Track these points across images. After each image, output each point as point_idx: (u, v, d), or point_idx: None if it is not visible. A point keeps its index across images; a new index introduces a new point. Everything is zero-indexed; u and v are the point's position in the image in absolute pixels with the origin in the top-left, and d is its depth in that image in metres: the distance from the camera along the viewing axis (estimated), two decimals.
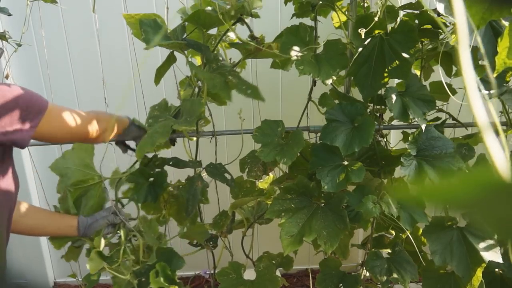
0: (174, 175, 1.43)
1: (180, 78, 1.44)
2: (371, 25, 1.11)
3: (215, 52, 1.19)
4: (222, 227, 1.40)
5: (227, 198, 1.62)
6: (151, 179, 1.23)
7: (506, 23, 0.92)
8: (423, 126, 1.15)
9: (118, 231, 1.14)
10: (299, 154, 1.27)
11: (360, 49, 1.14)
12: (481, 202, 0.21)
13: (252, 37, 1.11)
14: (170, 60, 1.21)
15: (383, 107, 1.35)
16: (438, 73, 1.27)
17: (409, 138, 1.19)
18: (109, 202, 1.19)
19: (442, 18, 1.03)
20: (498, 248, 1.17)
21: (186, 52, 1.17)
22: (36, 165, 1.96)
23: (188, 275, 2.21)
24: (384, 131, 1.41)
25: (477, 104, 0.23)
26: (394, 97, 1.18)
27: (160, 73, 1.21)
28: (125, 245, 1.12)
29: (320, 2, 1.21)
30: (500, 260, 1.15)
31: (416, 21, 1.23)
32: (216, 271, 1.42)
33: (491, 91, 1.16)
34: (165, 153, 1.79)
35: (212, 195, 1.37)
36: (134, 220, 1.21)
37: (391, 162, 1.33)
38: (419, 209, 1.20)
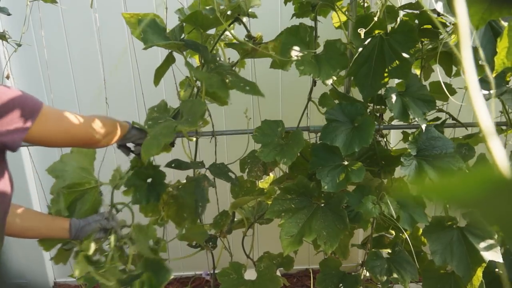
0: (174, 175, 1.42)
1: (179, 79, 1.44)
2: (371, 25, 1.11)
3: (214, 52, 1.19)
4: (222, 227, 1.40)
5: (227, 198, 1.62)
6: (149, 180, 1.22)
7: (505, 24, 0.92)
8: (423, 126, 1.15)
9: (109, 237, 1.12)
10: (299, 154, 1.27)
11: (360, 49, 1.14)
12: (481, 200, 0.21)
13: (249, 37, 1.11)
14: (169, 61, 1.21)
15: (383, 107, 1.35)
16: (438, 73, 1.27)
17: (409, 138, 1.19)
18: (104, 207, 1.18)
19: (442, 18, 1.03)
20: (498, 248, 1.17)
21: (184, 52, 1.17)
22: (36, 166, 1.96)
23: (188, 275, 2.21)
24: (384, 131, 1.41)
25: (479, 103, 0.23)
26: (394, 97, 1.18)
27: (159, 73, 1.21)
28: (114, 251, 1.09)
29: (320, 2, 1.21)
30: (501, 260, 1.15)
31: (416, 21, 1.24)
32: (215, 272, 1.42)
33: (491, 91, 1.16)
34: (164, 154, 1.79)
35: (212, 195, 1.37)
36: (128, 227, 1.18)
37: (391, 162, 1.33)
38: (419, 209, 1.20)
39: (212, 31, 1.22)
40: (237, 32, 1.18)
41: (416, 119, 1.16)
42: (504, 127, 1.34)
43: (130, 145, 1.23)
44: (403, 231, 1.20)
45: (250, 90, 1.07)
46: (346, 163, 1.21)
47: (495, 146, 0.22)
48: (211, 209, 1.54)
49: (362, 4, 1.33)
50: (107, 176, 1.23)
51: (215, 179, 1.30)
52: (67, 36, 1.87)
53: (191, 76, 1.22)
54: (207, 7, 1.07)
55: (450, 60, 1.33)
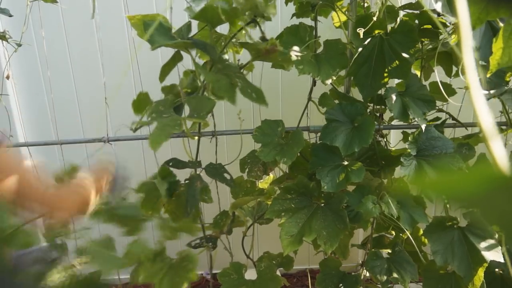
0: (179, 175, 1.42)
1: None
2: (371, 25, 1.11)
3: (225, 51, 1.18)
4: (223, 227, 1.40)
5: (227, 198, 1.62)
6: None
7: (502, 24, 0.92)
8: (423, 126, 1.15)
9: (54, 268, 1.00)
10: (299, 154, 1.27)
11: (360, 49, 1.14)
12: (481, 198, 0.21)
13: (263, 39, 1.10)
14: (176, 59, 1.20)
15: (383, 107, 1.35)
16: (436, 73, 1.27)
17: (409, 138, 1.19)
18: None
19: (442, 18, 1.03)
20: (499, 247, 1.17)
21: (192, 51, 1.16)
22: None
23: None
24: (384, 131, 1.41)
25: (480, 103, 0.23)
26: (394, 97, 1.18)
27: (164, 71, 1.21)
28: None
29: (320, 2, 1.22)
30: (502, 260, 1.15)
31: (416, 21, 1.24)
32: (214, 272, 1.42)
33: (491, 91, 1.16)
34: (165, 153, 1.79)
35: (214, 195, 1.37)
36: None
37: (391, 162, 1.33)
38: (419, 209, 1.20)
39: (224, 32, 1.21)
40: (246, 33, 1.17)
41: (416, 119, 1.16)
42: (504, 127, 1.34)
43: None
44: (404, 231, 1.20)
45: (256, 98, 1.07)
46: (346, 163, 1.21)
47: (496, 146, 0.23)
48: (213, 209, 1.54)
49: (362, 4, 1.33)
50: None
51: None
52: (67, 36, 1.87)
53: (197, 75, 1.22)
54: (222, 2, 1.06)
55: (450, 60, 1.33)
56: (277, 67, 1.28)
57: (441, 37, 1.22)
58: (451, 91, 1.35)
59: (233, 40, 1.15)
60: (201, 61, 1.35)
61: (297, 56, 1.14)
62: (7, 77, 1.62)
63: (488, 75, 0.93)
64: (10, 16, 1.29)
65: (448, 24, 1.19)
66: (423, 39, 1.28)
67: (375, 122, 1.23)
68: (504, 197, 0.20)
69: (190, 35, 1.15)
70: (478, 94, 0.23)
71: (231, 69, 1.11)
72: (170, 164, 1.27)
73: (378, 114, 1.38)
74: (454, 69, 1.35)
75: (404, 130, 1.44)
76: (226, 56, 1.24)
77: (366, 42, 1.13)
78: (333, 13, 1.37)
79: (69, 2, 1.77)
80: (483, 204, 0.21)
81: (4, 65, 1.74)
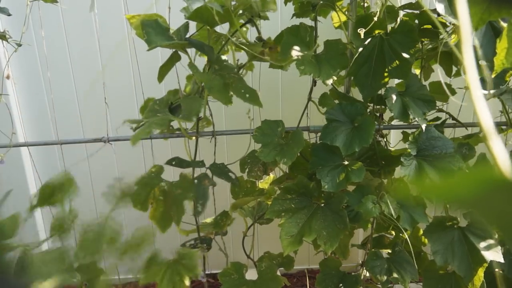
0: (174, 174, 1.42)
1: (182, 77, 1.44)
2: (371, 25, 1.11)
3: (226, 50, 1.18)
4: (223, 227, 1.40)
5: (227, 198, 1.62)
6: None
7: (505, 24, 0.92)
8: (423, 126, 1.15)
9: None
10: (299, 154, 1.27)
11: (360, 49, 1.14)
12: (481, 199, 0.21)
13: (259, 39, 1.10)
14: (173, 59, 1.20)
15: (383, 107, 1.35)
16: (438, 73, 1.27)
17: (409, 138, 1.19)
18: None
19: (442, 18, 1.03)
20: (499, 247, 1.17)
21: (192, 51, 1.16)
22: (36, 165, 1.96)
23: None
24: (384, 131, 1.41)
25: (480, 103, 0.23)
26: (394, 97, 1.18)
27: (163, 71, 1.21)
28: None
29: (320, 2, 1.21)
30: (502, 260, 1.15)
31: (416, 21, 1.24)
32: (214, 272, 1.42)
33: (491, 91, 1.16)
34: (165, 152, 1.79)
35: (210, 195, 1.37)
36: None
37: (391, 162, 1.33)
38: (419, 209, 1.20)
39: (225, 31, 1.21)
40: (248, 33, 1.17)
41: (416, 119, 1.16)
42: (504, 127, 1.34)
43: None
44: (403, 231, 1.20)
45: (249, 98, 1.07)
46: (346, 163, 1.21)
47: (496, 146, 0.22)
48: (208, 210, 1.54)
49: (362, 4, 1.33)
50: None
51: (213, 178, 1.30)
52: (67, 36, 1.87)
53: (194, 76, 1.22)
54: (217, 4, 1.06)
55: (450, 60, 1.33)
56: (276, 67, 1.28)
57: (441, 37, 1.22)
58: (451, 91, 1.35)
59: (233, 38, 1.15)
60: (203, 60, 1.35)
61: (297, 56, 1.14)
62: (7, 77, 1.62)
63: (493, 76, 0.92)
64: (9, 15, 1.28)
65: (448, 24, 1.19)
66: (423, 39, 1.28)
67: (375, 122, 1.23)
68: (504, 198, 0.20)
69: (189, 35, 1.15)
70: (478, 94, 0.23)
71: (227, 69, 1.12)
72: (173, 163, 1.27)
73: (378, 114, 1.38)
74: (454, 69, 1.35)
75: (404, 130, 1.44)
76: (226, 56, 1.24)
77: (366, 42, 1.13)
78: (333, 13, 1.37)
79: (69, 2, 1.77)
80: (483, 206, 0.21)
81: (4, 65, 1.74)
